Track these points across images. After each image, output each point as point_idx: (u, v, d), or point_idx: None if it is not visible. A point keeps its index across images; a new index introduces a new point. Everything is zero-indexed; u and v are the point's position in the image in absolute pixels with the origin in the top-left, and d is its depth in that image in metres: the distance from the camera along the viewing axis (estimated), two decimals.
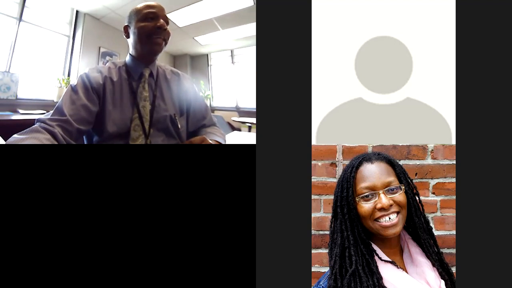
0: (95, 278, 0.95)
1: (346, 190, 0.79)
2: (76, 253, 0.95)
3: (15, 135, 0.99)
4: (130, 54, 1.23)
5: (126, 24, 1.22)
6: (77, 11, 4.23)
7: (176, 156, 0.98)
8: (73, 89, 1.11)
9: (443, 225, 1.29)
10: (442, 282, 0.78)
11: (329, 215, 0.84)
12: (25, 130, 1.01)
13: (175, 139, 1.23)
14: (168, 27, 1.20)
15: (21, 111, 3.28)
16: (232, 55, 6.07)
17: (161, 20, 1.15)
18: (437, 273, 0.78)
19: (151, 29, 1.14)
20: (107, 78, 1.16)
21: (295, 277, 1.00)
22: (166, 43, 1.21)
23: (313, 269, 1.25)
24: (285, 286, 1.00)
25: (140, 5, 1.19)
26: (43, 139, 0.97)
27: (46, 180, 0.95)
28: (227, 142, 1.34)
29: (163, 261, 0.96)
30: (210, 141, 1.14)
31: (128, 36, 1.22)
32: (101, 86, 1.14)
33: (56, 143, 0.99)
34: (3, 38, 3.38)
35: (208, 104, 6.24)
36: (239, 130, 4.36)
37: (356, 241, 0.77)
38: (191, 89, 1.34)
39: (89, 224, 0.95)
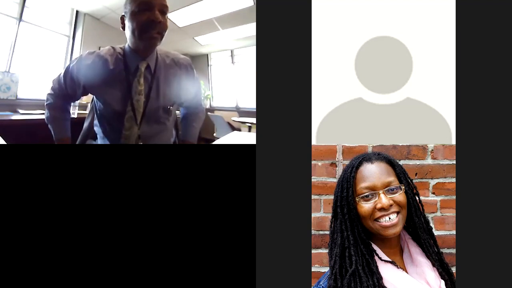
0: (93, 277, 0.95)
1: (346, 190, 0.79)
2: (76, 253, 0.94)
3: (47, 106, 1.29)
4: (128, 44, 1.19)
5: (122, 14, 1.16)
6: (77, 11, 4.23)
7: (176, 156, 0.98)
8: (70, 70, 1.24)
9: (443, 225, 1.29)
10: (442, 282, 0.78)
11: (329, 215, 0.84)
12: (48, 98, 1.30)
13: (164, 126, 1.27)
14: (166, 17, 1.13)
15: (21, 111, 3.28)
16: (232, 55, 6.07)
17: (156, 12, 1.06)
18: (437, 273, 0.78)
19: (144, 23, 1.07)
20: (102, 66, 1.16)
21: (295, 277, 1.00)
22: (162, 36, 1.15)
23: (313, 269, 1.24)
24: (285, 286, 1.00)
25: None
26: (62, 107, 1.30)
27: (44, 180, 0.95)
28: (223, 138, 1.39)
29: (164, 261, 0.96)
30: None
31: (124, 28, 1.16)
32: (89, 79, 1.18)
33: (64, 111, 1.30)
34: (3, 38, 3.37)
35: (208, 104, 6.24)
36: (239, 130, 4.36)
37: (356, 241, 0.77)
38: (189, 78, 1.33)
39: (89, 225, 0.95)
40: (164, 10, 1.10)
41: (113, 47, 1.21)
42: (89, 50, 1.23)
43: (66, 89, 1.24)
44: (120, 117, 1.18)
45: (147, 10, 1.07)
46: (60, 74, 1.27)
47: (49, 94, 1.30)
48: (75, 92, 1.24)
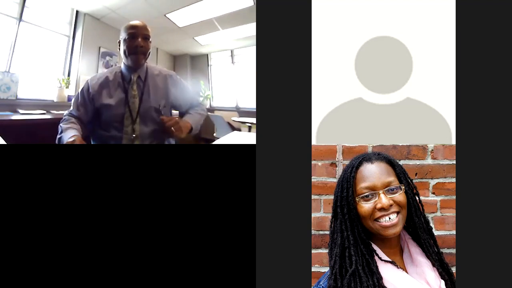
0: (92, 277, 0.95)
1: (346, 190, 0.79)
2: (76, 252, 0.94)
3: (61, 124, 1.45)
4: (123, 63, 1.56)
5: (119, 40, 1.55)
6: (77, 11, 4.22)
7: (176, 156, 0.98)
8: (80, 92, 1.56)
9: (443, 225, 1.29)
10: (442, 282, 0.78)
11: (329, 215, 0.84)
12: (62, 120, 1.48)
13: (158, 126, 1.51)
14: (149, 41, 1.52)
15: (21, 111, 3.27)
16: (232, 55, 6.07)
17: (139, 40, 1.47)
18: (437, 273, 0.78)
19: (131, 47, 1.48)
20: (104, 80, 1.52)
21: (295, 277, 1.00)
22: (146, 56, 1.53)
23: (313, 269, 1.24)
24: (285, 286, 1.00)
25: (127, 24, 1.52)
26: (76, 122, 1.48)
27: (44, 180, 0.95)
28: (222, 137, 1.45)
29: (165, 261, 0.96)
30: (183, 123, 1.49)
31: (119, 50, 1.55)
32: (96, 92, 1.51)
33: (79, 125, 1.46)
34: (3, 38, 3.37)
35: (208, 104, 6.24)
36: (239, 130, 4.36)
37: (356, 241, 0.77)
38: (174, 83, 1.63)
39: (89, 225, 0.95)
40: (146, 37, 1.50)
41: (110, 71, 1.59)
42: (94, 75, 1.61)
43: (79, 110, 1.53)
44: (120, 117, 1.48)
45: (134, 38, 1.47)
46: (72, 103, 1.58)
47: (63, 116, 1.55)
48: (86, 110, 1.53)
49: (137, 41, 1.48)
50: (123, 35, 1.51)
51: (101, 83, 1.53)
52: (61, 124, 1.48)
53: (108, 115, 1.50)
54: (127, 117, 1.49)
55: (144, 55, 1.52)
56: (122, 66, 1.57)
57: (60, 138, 1.42)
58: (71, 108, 1.57)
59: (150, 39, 1.53)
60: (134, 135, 1.48)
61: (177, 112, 1.73)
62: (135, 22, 1.53)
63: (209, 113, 4.56)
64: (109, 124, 1.50)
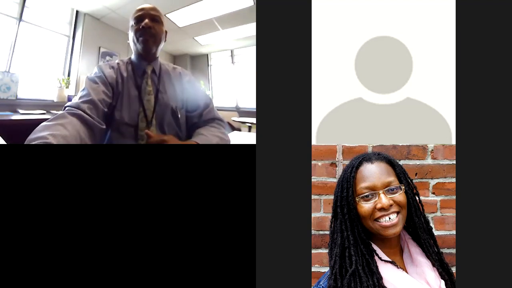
0: (93, 278, 0.95)
1: (346, 190, 0.79)
2: (76, 253, 0.95)
3: (42, 124, 1.00)
4: (133, 54, 1.38)
5: (128, 31, 1.37)
6: (77, 11, 4.23)
7: (177, 156, 0.98)
8: (91, 80, 1.24)
9: (443, 225, 1.29)
10: (442, 282, 0.78)
11: (329, 215, 0.84)
12: (52, 117, 1.04)
13: (175, 129, 1.34)
14: (161, 23, 1.33)
15: (21, 111, 3.28)
16: (232, 55, 6.07)
17: (145, 21, 1.28)
18: (437, 273, 0.78)
19: (138, 30, 1.29)
20: (118, 73, 1.31)
21: (295, 277, 1.00)
22: (157, 40, 1.32)
23: (313, 269, 1.25)
24: (285, 286, 1.00)
25: (135, 10, 1.34)
26: (67, 124, 1.02)
27: (44, 180, 0.95)
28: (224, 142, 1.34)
29: (164, 261, 0.96)
30: (178, 142, 1.22)
31: (129, 43, 1.37)
32: (114, 80, 1.28)
33: (82, 125, 1.06)
34: (3, 38, 3.37)
35: None
36: (239, 130, 4.36)
37: (356, 241, 0.77)
38: (191, 83, 1.44)
39: (89, 225, 0.95)
40: (155, 18, 1.31)
41: (121, 59, 1.39)
42: (102, 63, 1.37)
43: (97, 90, 1.19)
44: (134, 118, 1.27)
45: (141, 20, 1.29)
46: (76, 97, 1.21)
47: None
48: (101, 95, 1.18)
49: (144, 22, 1.28)
50: (130, 22, 1.33)
51: (116, 75, 1.29)
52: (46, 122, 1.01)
53: (120, 115, 1.25)
54: (142, 118, 1.27)
55: (154, 39, 1.30)
56: (133, 57, 1.37)
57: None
58: (79, 94, 1.17)
59: (161, 22, 1.33)
60: None
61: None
62: (143, 5, 1.34)
63: None
64: (120, 128, 1.25)
